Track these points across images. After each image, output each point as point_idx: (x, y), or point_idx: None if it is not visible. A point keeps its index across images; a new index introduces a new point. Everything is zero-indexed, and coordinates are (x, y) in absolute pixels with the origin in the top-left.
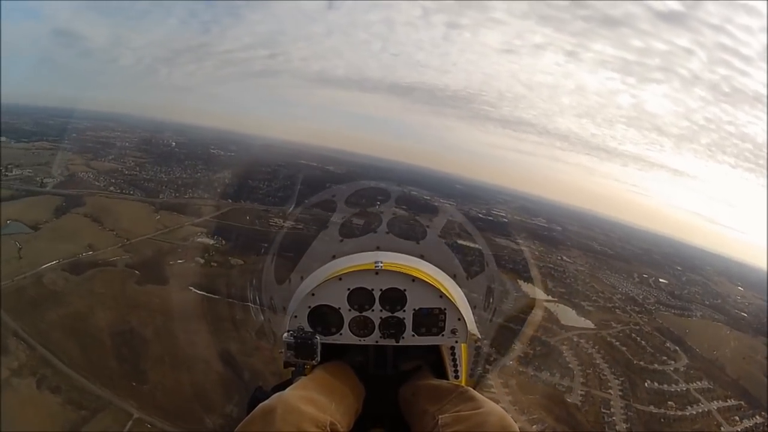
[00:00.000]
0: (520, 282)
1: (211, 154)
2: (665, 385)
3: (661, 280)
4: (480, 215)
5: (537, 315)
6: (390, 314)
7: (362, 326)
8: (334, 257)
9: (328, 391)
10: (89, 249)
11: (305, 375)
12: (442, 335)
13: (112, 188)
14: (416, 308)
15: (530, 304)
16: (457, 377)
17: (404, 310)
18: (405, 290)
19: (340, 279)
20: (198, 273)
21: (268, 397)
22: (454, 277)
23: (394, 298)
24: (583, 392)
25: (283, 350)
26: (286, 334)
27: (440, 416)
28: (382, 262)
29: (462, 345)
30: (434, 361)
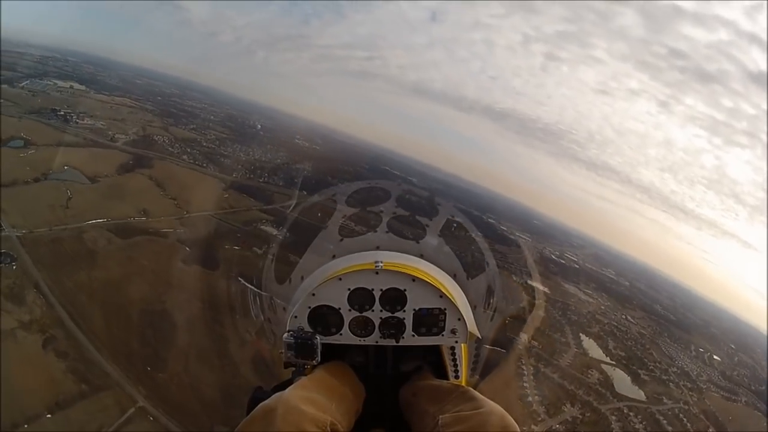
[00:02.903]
0: (582, 336)
1: (296, 143)
2: None
3: (715, 357)
4: (553, 256)
5: (593, 376)
6: (390, 314)
7: (362, 326)
8: (334, 257)
9: (329, 391)
10: (143, 214)
11: (305, 375)
12: (442, 335)
13: (185, 157)
14: (416, 308)
15: (587, 363)
16: (457, 377)
17: (404, 310)
18: (405, 290)
19: (340, 279)
20: (252, 264)
21: (268, 397)
22: (454, 276)
23: (394, 298)
24: None
25: (283, 350)
26: (286, 334)
27: (441, 416)
28: (382, 262)
29: (462, 345)
30: (434, 361)
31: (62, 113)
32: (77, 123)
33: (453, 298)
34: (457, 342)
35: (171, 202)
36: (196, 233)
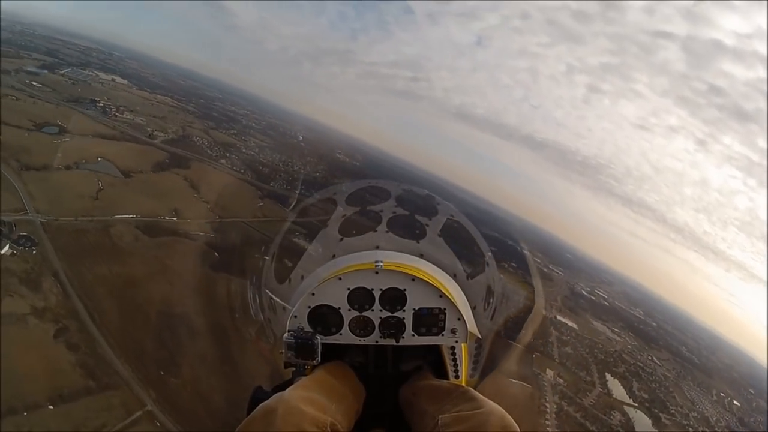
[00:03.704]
0: (607, 375)
1: (336, 158)
2: None
3: (735, 402)
4: (584, 292)
5: (615, 418)
6: (390, 314)
7: (362, 326)
8: (334, 257)
9: (329, 391)
10: (174, 214)
11: (305, 375)
12: (442, 335)
13: (223, 161)
14: (416, 308)
15: (611, 404)
16: (457, 377)
17: (404, 310)
18: (405, 290)
19: (340, 279)
20: (279, 276)
21: (268, 398)
22: (454, 276)
23: (394, 298)
24: None
25: (283, 350)
26: (286, 334)
27: (441, 416)
28: (382, 262)
29: (462, 345)
30: (434, 361)
31: (101, 104)
32: (116, 116)
33: (453, 297)
34: (456, 342)
35: (204, 205)
36: (227, 239)
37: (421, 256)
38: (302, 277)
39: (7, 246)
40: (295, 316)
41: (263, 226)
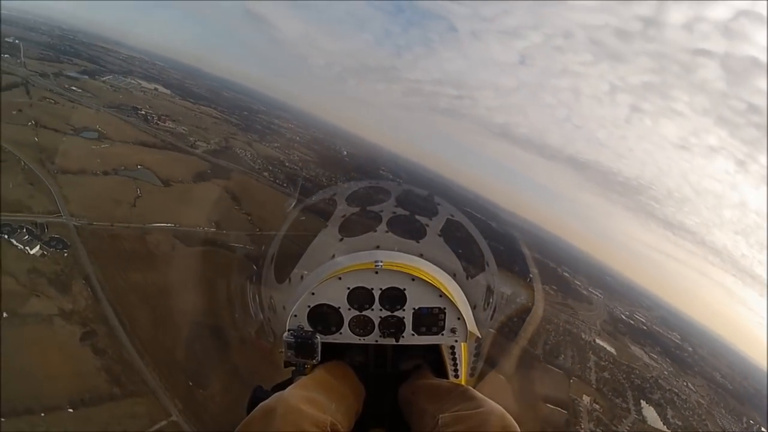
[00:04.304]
0: (642, 402)
1: (380, 174)
2: None
3: (763, 429)
4: (623, 316)
5: None
6: (390, 313)
7: (362, 325)
8: (333, 256)
9: (329, 390)
10: (213, 225)
11: (305, 374)
12: (442, 334)
13: (266, 174)
14: (416, 307)
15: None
16: (457, 376)
17: (404, 310)
18: (405, 289)
19: (340, 278)
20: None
21: (268, 397)
22: (453, 276)
23: (393, 298)
24: None
25: (283, 350)
26: (286, 334)
27: (440, 416)
28: (381, 262)
29: (462, 344)
30: (434, 361)
31: (143, 112)
32: (158, 124)
33: (453, 297)
34: (456, 341)
35: (244, 217)
36: (266, 252)
37: (421, 255)
38: (302, 277)
39: (38, 247)
40: (295, 316)
41: (303, 240)
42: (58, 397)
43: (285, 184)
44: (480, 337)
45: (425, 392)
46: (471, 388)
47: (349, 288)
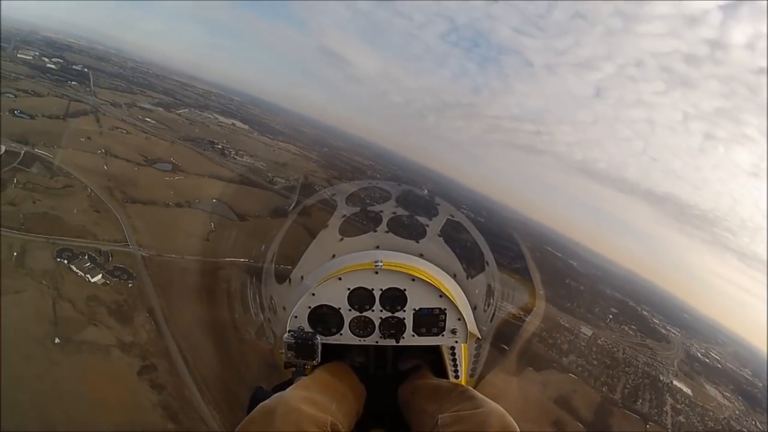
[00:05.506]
0: None
1: (462, 213)
2: None
3: None
4: (699, 354)
5: None
6: (390, 314)
7: (362, 326)
8: (333, 257)
9: (329, 391)
10: (290, 262)
11: (306, 375)
12: (442, 335)
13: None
14: (416, 308)
15: None
16: (457, 377)
17: (404, 310)
18: (405, 290)
19: (340, 279)
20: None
21: (268, 398)
22: (454, 276)
23: (394, 298)
24: None
25: (283, 350)
26: (286, 335)
27: (440, 416)
28: (381, 262)
29: (462, 345)
30: (434, 361)
31: (220, 146)
32: (235, 159)
33: (453, 298)
34: (457, 342)
35: None
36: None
37: (421, 256)
38: (302, 277)
39: (100, 275)
40: (296, 316)
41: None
42: (106, 425)
43: (365, 222)
44: (480, 337)
45: (425, 392)
46: (471, 388)
47: (349, 289)
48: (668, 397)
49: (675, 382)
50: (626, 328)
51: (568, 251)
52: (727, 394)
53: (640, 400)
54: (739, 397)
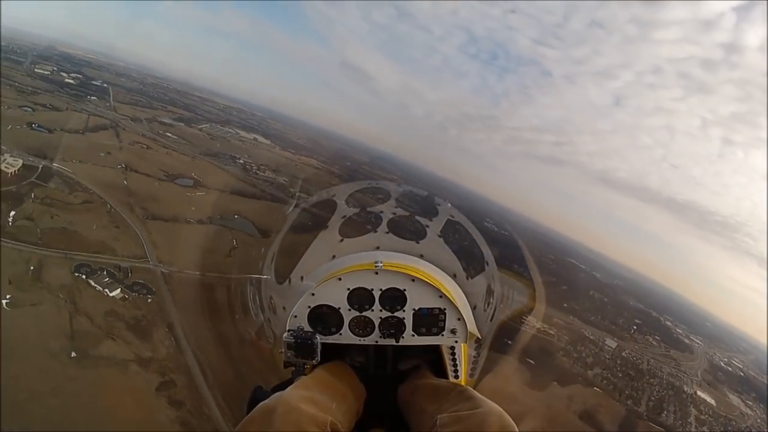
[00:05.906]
0: None
1: (484, 226)
2: None
3: None
4: (722, 363)
5: None
6: (390, 314)
7: (362, 326)
8: (334, 257)
9: (329, 391)
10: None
11: (305, 375)
12: (442, 335)
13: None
14: (416, 308)
15: None
16: (456, 377)
17: (404, 310)
18: (405, 290)
19: (340, 279)
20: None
21: (268, 397)
22: (454, 276)
23: (393, 298)
24: None
25: (283, 350)
26: (286, 334)
27: (439, 416)
28: (381, 262)
29: (462, 345)
30: (434, 361)
31: (242, 161)
32: (257, 174)
33: (453, 298)
34: (456, 342)
35: None
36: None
37: (421, 256)
38: (302, 278)
39: (118, 290)
40: (295, 316)
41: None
42: None
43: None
44: (480, 337)
45: (424, 392)
46: (470, 388)
47: (349, 289)
48: (692, 408)
49: (699, 393)
50: (650, 339)
51: (591, 262)
52: (749, 402)
53: (665, 412)
54: (761, 405)
